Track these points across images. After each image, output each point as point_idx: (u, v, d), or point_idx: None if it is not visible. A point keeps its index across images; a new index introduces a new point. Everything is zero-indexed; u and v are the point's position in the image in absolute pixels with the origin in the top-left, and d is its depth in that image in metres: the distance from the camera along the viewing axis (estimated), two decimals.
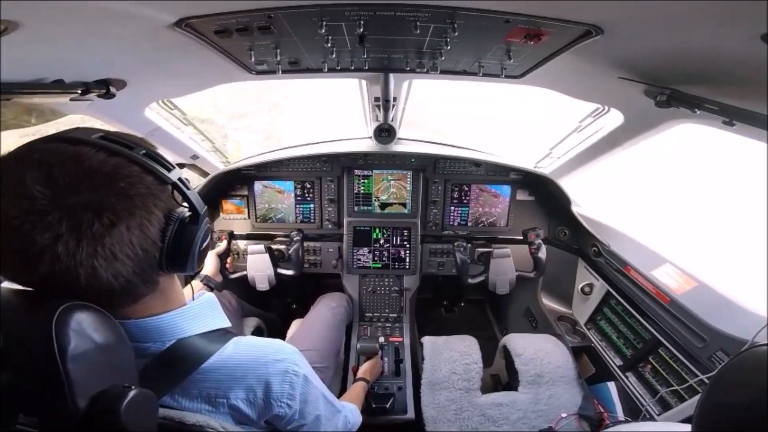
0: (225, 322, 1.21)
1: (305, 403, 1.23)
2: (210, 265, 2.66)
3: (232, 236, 3.04)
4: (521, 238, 3.14)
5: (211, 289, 2.53)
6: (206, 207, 1.06)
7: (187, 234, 0.97)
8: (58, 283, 0.80)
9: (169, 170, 0.94)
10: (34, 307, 0.79)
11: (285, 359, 1.18)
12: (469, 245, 3.13)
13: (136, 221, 0.85)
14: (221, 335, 1.15)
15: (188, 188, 0.99)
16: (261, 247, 2.91)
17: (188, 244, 0.98)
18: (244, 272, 2.94)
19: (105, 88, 1.56)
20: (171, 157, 2.64)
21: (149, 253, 0.90)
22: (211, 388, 1.06)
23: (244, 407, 1.09)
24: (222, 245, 2.87)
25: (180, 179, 0.97)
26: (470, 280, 2.98)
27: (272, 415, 1.15)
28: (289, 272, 2.93)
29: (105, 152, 0.84)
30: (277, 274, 2.92)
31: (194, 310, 1.12)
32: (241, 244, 3.25)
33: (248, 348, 1.16)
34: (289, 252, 2.95)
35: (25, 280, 0.83)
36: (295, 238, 2.98)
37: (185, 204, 1.00)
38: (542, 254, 2.91)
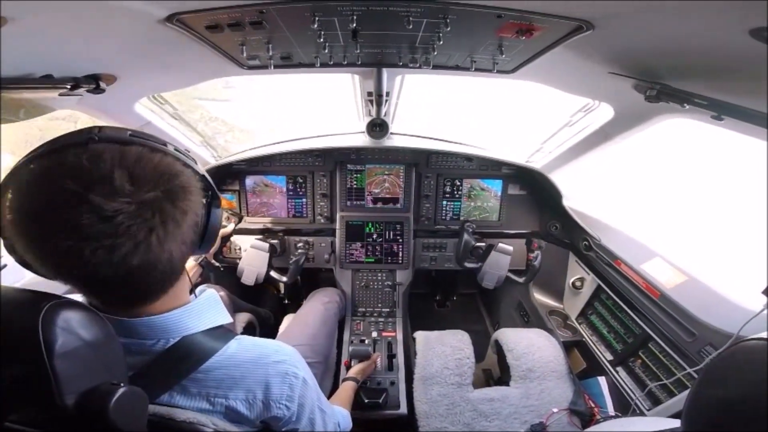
0: (227, 318, 1.22)
1: (302, 406, 1.24)
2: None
3: (240, 220, 3.05)
4: (512, 232, 3.17)
5: (203, 268, 2.56)
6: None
7: (213, 215, 1.11)
8: (137, 276, 0.89)
9: (195, 163, 1.04)
10: (22, 304, 0.79)
11: (285, 360, 1.20)
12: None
13: (196, 208, 0.99)
14: (224, 333, 1.17)
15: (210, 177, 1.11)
16: (265, 245, 2.89)
17: (216, 223, 1.13)
18: (237, 261, 2.91)
19: (95, 83, 1.55)
20: None
21: (197, 236, 1.03)
22: (211, 387, 1.07)
23: (242, 408, 1.09)
24: (229, 227, 2.88)
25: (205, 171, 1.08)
26: (466, 263, 3.01)
27: (270, 416, 1.16)
28: (283, 279, 2.91)
29: (154, 151, 0.92)
30: (268, 276, 2.90)
31: (198, 306, 1.13)
32: (233, 238, 3.23)
33: (249, 347, 1.17)
34: (290, 263, 2.93)
35: (104, 274, 0.84)
36: (300, 251, 3.00)
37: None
38: (537, 263, 2.94)
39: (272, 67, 1.80)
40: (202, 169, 1.05)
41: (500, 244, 2.98)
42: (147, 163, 0.87)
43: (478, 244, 3.08)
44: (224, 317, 1.21)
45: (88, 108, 1.88)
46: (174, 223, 0.90)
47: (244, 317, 2.82)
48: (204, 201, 1.06)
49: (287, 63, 1.83)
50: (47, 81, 1.40)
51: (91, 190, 0.79)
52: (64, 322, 0.76)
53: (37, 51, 1.25)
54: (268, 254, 2.86)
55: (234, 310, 2.82)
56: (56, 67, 1.39)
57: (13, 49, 1.14)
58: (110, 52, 1.44)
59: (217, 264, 2.83)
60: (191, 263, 2.48)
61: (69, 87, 1.46)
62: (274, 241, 3.02)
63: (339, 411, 1.68)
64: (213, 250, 2.71)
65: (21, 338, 0.74)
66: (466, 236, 2.98)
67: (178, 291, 1.08)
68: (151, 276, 0.91)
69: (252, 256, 2.87)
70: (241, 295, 3.05)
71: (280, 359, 1.19)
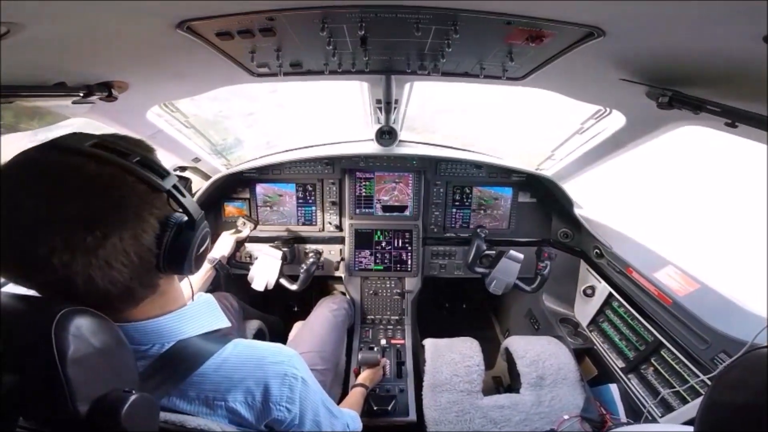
0: (225, 322, 1.22)
1: (305, 408, 1.22)
2: (226, 248, 2.78)
3: (256, 226, 3.14)
4: (522, 240, 3.17)
5: (217, 272, 2.63)
6: (203, 212, 1.06)
7: (184, 239, 0.98)
8: (57, 290, 0.84)
9: (163, 177, 0.93)
10: (34, 312, 0.80)
11: (283, 362, 1.18)
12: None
13: (129, 232, 0.87)
14: (221, 336, 1.16)
15: (183, 195, 0.97)
16: (279, 253, 2.92)
17: (185, 248, 0.99)
18: (248, 267, 2.94)
19: (107, 90, 1.56)
20: (173, 159, 2.66)
21: (145, 259, 0.91)
22: (209, 390, 1.06)
23: (242, 410, 1.09)
24: (245, 232, 2.94)
25: (175, 186, 0.96)
26: (477, 268, 3.01)
27: (271, 419, 1.15)
28: (293, 287, 2.92)
29: (97, 162, 0.85)
30: (278, 283, 2.91)
31: (193, 311, 1.13)
32: (245, 245, 3.25)
33: (247, 350, 1.16)
34: (301, 270, 2.93)
35: (27, 285, 0.86)
36: (311, 260, 3.00)
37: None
38: (546, 272, 2.95)
39: (282, 74, 1.81)
40: (166, 187, 0.93)
41: (511, 252, 2.96)
42: (66, 176, 0.83)
43: (488, 251, 3.07)
44: (221, 321, 1.21)
45: (101, 116, 1.89)
46: (84, 248, 0.81)
47: (254, 324, 2.84)
48: (170, 221, 0.95)
49: (296, 70, 1.83)
50: (60, 89, 1.41)
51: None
52: (76, 329, 0.76)
53: (50, 58, 1.27)
54: (280, 262, 2.88)
55: (243, 317, 2.83)
56: (69, 75, 1.41)
57: (27, 57, 1.15)
58: (122, 59, 1.45)
59: (225, 264, 2.86)
60: (206, 266, 2.51)
61: (82, 94, 1.47)
62: (285, 249, 3.03)
63: (348, 413, 1.67)
64: (228, 254, 2.78)
65: (34, 345, 0.74)
66: (478, 241, 2.99)
67: (167, 297, 1.07)
68: (75, 294, 0.84)
69: (264, 264, 2.88)
70: (250, 302, 3.06)
71: (278, 360, 1.18)
